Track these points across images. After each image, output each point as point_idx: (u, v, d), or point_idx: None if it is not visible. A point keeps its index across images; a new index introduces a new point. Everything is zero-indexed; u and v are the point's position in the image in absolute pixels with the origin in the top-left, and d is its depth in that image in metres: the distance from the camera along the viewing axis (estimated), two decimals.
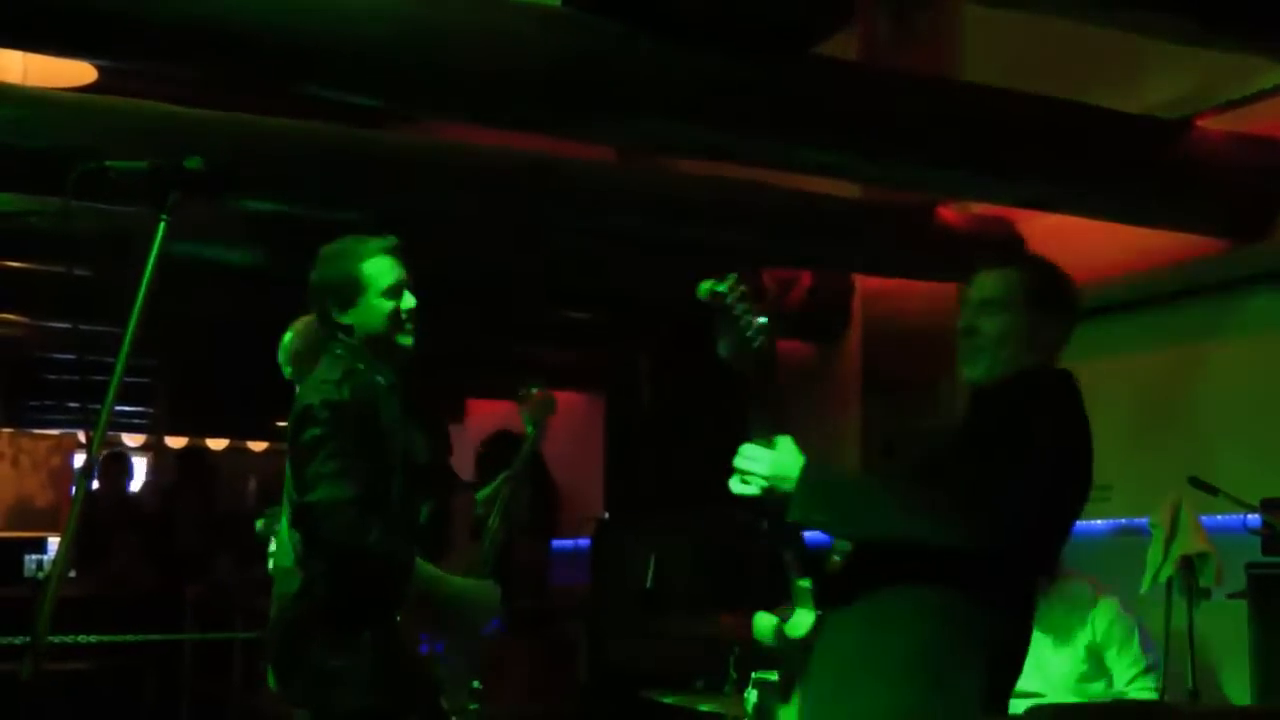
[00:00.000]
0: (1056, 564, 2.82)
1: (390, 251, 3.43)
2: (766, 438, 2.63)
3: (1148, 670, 4.32)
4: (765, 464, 2.61)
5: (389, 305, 3.40)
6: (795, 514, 2.60)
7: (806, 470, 2.59)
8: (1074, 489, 2.68)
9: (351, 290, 3.40)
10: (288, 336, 4.31)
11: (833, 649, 2.68)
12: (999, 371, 2.80)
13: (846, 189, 5.81)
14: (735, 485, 2.64)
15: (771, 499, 2.61)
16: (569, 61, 3.72)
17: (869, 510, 2.60)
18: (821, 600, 2.70)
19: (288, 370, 4.27)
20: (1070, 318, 2.92)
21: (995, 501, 2.51)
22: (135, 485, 11.43)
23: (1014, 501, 2.52)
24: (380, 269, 3.40)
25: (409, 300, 3.43)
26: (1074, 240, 5.58)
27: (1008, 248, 5.94)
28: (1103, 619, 4.35)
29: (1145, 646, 4.35)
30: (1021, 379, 2.77)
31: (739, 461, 2.63)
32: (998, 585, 2.64)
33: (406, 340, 3.45)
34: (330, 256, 3.45)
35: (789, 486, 2.59)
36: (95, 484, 3.38)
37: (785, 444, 2.63)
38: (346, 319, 3.43)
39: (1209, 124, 4.82)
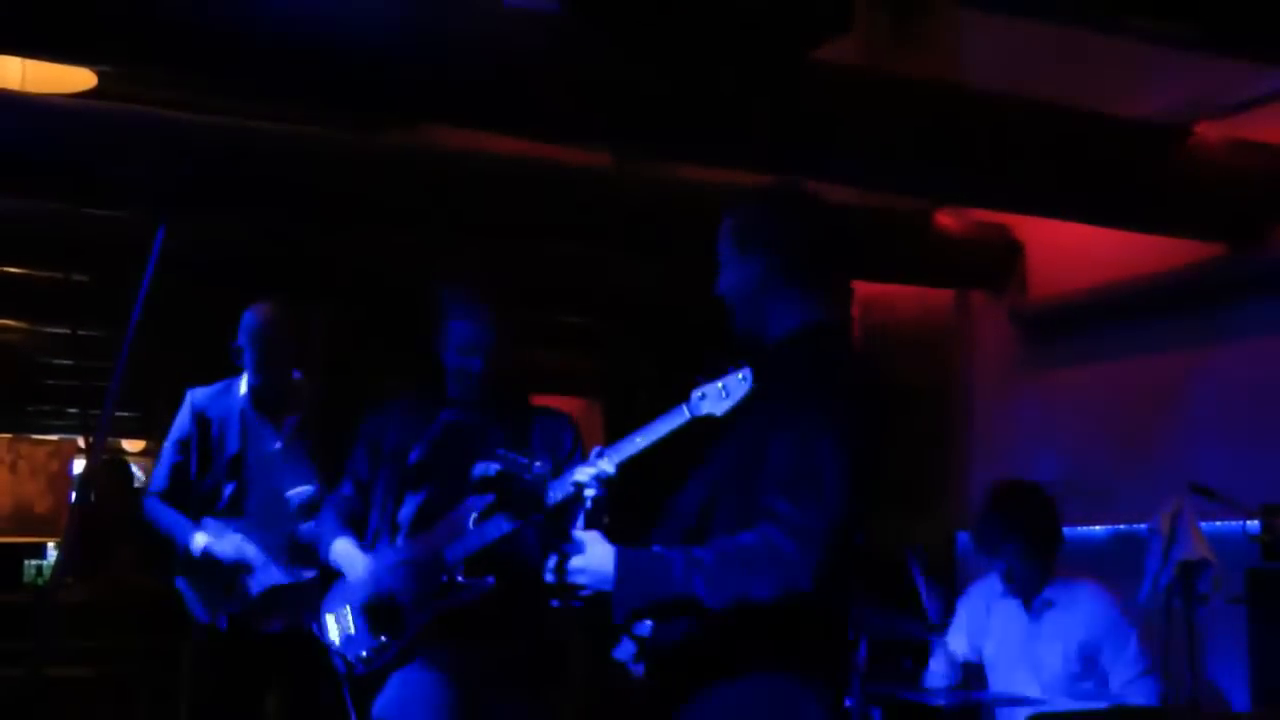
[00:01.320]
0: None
1: (473, 317, 3.77)
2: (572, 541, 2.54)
3: (1146, 673, 4.33)
4: (582, 571, 2.51)
5: (457, 361, 3.80)
6: (619, 616, 2.49)
7: (620, 563, 2.48)
8: (859, 468, 2.53)
9: (442, 338, 3.81)
10: None
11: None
12: (761, 329, 2.72)
13: (844, 194, 5.81)
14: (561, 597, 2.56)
15: (600, 602, 2.51)
16: (566, 67, 3.73)
17: (690, 584, 2.42)
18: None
19: None
20: (784, 249, 2.72)
21: (805, 536, 2.40)
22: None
23: (819, 530, 2.42)
24: (460, 329, 3.77)
25: (478, 364, 3.77)
26: (1072, 246, 5.60)
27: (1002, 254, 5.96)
28: (1098, 620, 4.36)
29: (1142, 649, 4.36)
30: (789, 351, 2.67)
31: (560, 578, 2.52)
32: (803, 630, 2.53)
33: (472, 393, 3.83)
34: (440, 301, 3.84)
35: (607, 585, 2.47)
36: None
37: (593, 543, 2.53)
38: (442, 357, 3.84)
39: (1207, 130, 4.82)
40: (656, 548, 2.56)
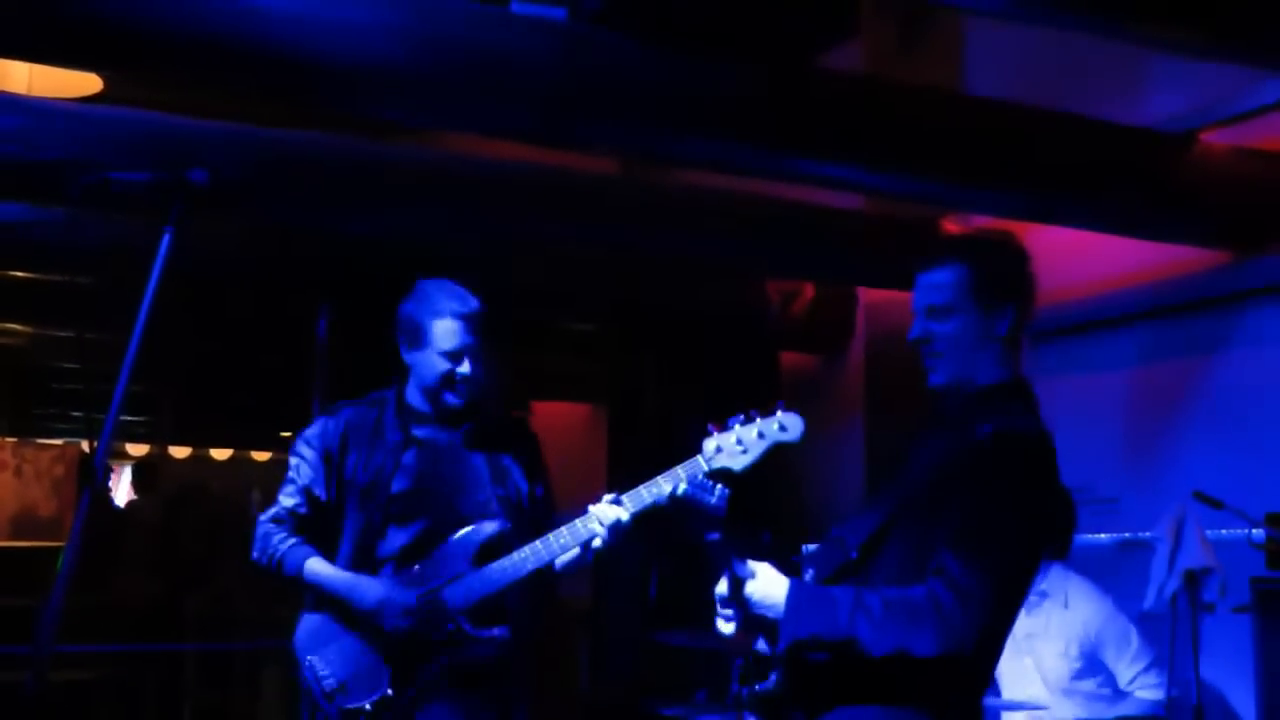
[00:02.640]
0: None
1: (463, 318, 3.56)
2: (741, 572, 2.58)
3: (1149, 668, 4.33)
4: (753, 598, 2.56)
5: (444, 366, 3.56)
6: (782, 645, 2.53)
7: (795, 593, 2.54)
8: (1029, 573, 2.59)
9: (419, 337, 3.59)
10: None
11: None
12: (959, 374, 2.72)
13: (850, 201, 5.82)
14: (721, 626, 2.62)
15: (760, 627, 2.57)
16: (574, 75, 3.73)
17: (857, 627, 2.47)
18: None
19: None
20: (1026, 301, 2.75)
21: (972, 600, 2.44)
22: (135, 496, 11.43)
23: (986, 595, 2.45)
24: (447, 332, 3.55)
25: (465, 367, 3.56)
26: (1077, 253, 5.59)
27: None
28: (1096, 618, 4.37)
29: (1143, 644, 4.36)
30: (987, 406, 2.66)
31: (737, 600, 2.57)
32: (953, 693, 2.57)
33: (453, 401, 3.60)
34: (417, 296, 3.63)
35: (776, 614, 2.53)
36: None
37: (765, 572, 2.58)
38: (409, 358, 3.64)
39: (1213, 138, 4.82)
40: (833, 588, 2.60)
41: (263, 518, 3.65)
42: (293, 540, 3.56)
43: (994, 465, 2.55)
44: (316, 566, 3.53)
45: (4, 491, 9.08)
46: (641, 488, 3.30)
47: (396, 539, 3.55)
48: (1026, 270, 2.77)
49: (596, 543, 3.35)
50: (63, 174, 4.26)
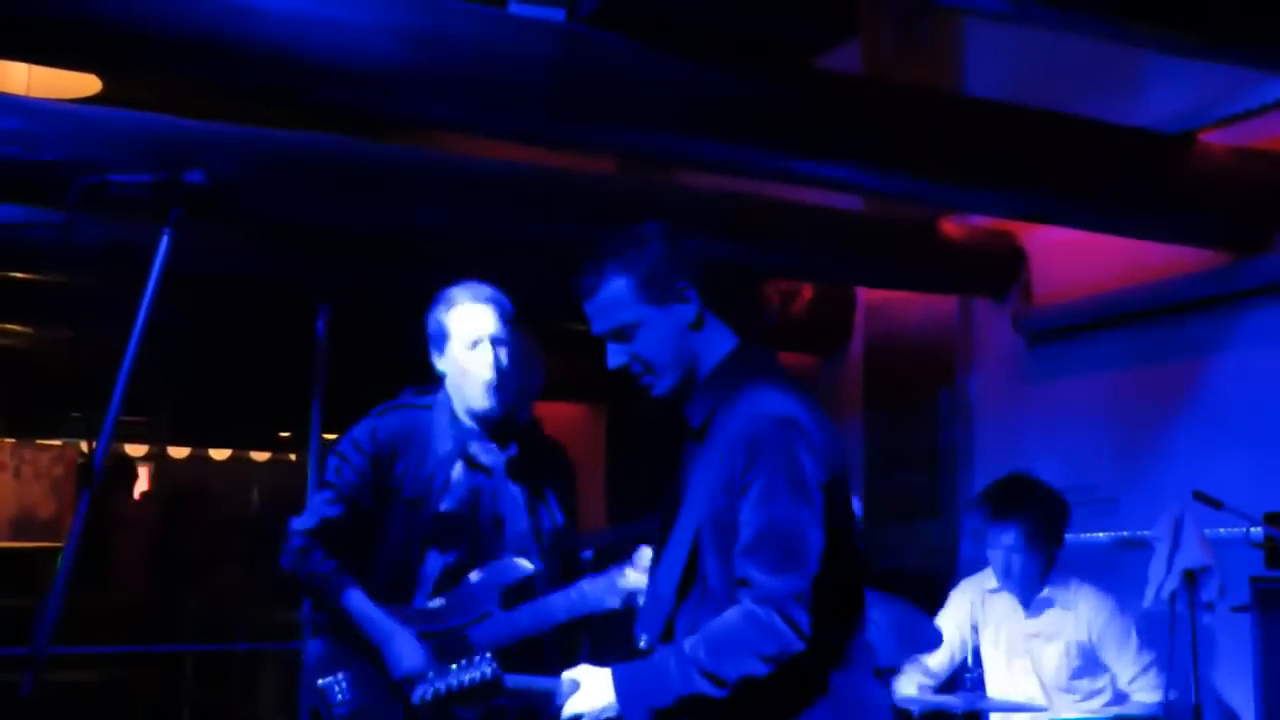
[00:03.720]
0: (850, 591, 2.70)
1: (479, 303, 3.42)
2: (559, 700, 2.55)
3: (1148, 668, 4.34)
4: (583, 705, 2.52)
5: (468, 361, 3.42)
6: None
7: (619, 682, 2.51)
8: (814, 513, 2.50)
9: (441, 338, 3.45)
10: None
11: None
12: (677, 378, 2.66)
13: (848, 201, 5.82)
14: None
15: None
16: (572, 76, 3.73)
17: (692, 680, 2.45)
18: None
19: None
20: (694, 273, 2.67)
21: (783, 602, 2.42)
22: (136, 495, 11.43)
23: (795, 592, 2.42)
24: (462, 319, 3.43)
25: (487, 354, 3.40)
26: (1076, 254, 5.60)
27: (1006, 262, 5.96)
28: (1097, 618, 4.37)
29: (1142, 645, 4.36)
30: (717, 391, 2.61)
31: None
32: (833, 655, 2.54)
33: (486, 402, 3.43)
34: (435, 300, 3.49)
35: (615, 710, 2.50)
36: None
37: (584, 678, 2.55)
38: (441, 368, 3.48)
39: (1212, 138, 4.82)
40: (653, 655, 2.57)
41: (298, 526, 3.46)
42: (334, 563, 3.40)
43: (745, 460, 2.50)
44: (359, 603, 3.36)
45: (3, 492, 9.06)
46: None
47: (435, 563, 3.44)
48: (673, 245, 2.70)
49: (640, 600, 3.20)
50: (61, 175, 4.26)
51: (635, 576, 3.27)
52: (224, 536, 9.38)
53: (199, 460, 12.47)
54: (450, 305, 3.46)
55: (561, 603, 3.36)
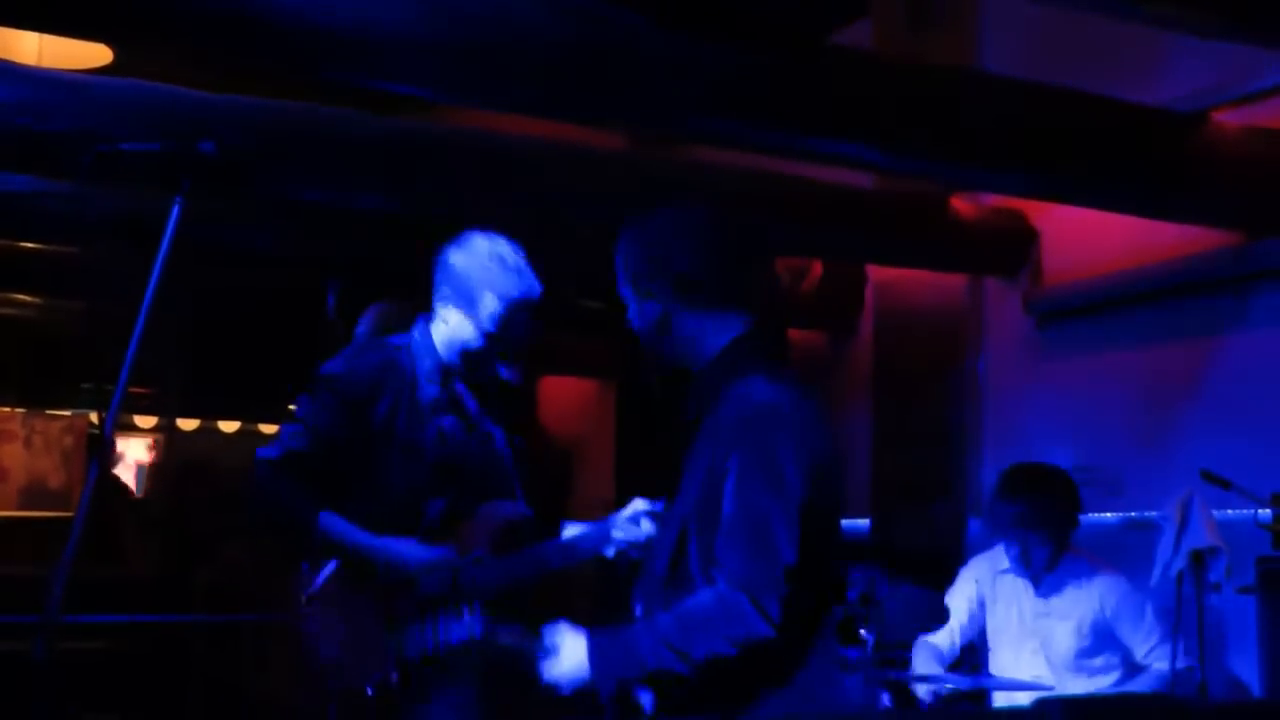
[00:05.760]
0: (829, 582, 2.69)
1: (523, 306, 3.41)
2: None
3: (1163, 641, 4.34)
4: (560, 669, 2.59)
5: (483, 343, 3.41)
6: (604, 696, 2.57)
7: (592, 652, 2.55)
8: (787, 503, 2.50)
9: (467, 300, 3.40)
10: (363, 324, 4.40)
11: None
12: (660, 365, 2.71)
13: (859, 179, 5.81)
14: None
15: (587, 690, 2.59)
16: (583, 49, 3.72)
17: (660, 655, 2.49)
18: None
19: None
20: (677, 266, 2.67)
21: (755, 588, 2.43)
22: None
23: (768, 579, 2.43)
24: (499, 315, 3.39)
25: (515, 326, 3.41)
26: (1087, 233, 5.59)
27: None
28: (1111, 595, 4.37)
29: (1155, 619, 4.37)
30: (720, 376, 2.63)
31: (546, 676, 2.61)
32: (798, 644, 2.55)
33: (484, 370, 3.48)
34: (474, 253, 3.42)
35: (587, 677, 2.56)
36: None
37: (564, 640, 2.60)
38: (446, 312, 3.43)
39: (1225, 118, 4.80)
40: (629, 627, 2.61)
41: (263, 455, 3.38)
42: (302, 488, 3.33)
43: (725, 447, 2.53)
44: (339, 523, 3.31)
45: (13, 462, 9.10)
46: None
47: (431, 509, 3.41)
48: (662, 240, 2.73)
49: (636, 553, 3.23)
50: (72, 145, 4.27)
51: (629, 527, 3.28)
52: (233, 508, 9.39)
53: (208, 432, 12.49)
54: (494, 290, 3.40)
55: (555, 549, 3.38)
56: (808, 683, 2.56)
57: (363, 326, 4.39)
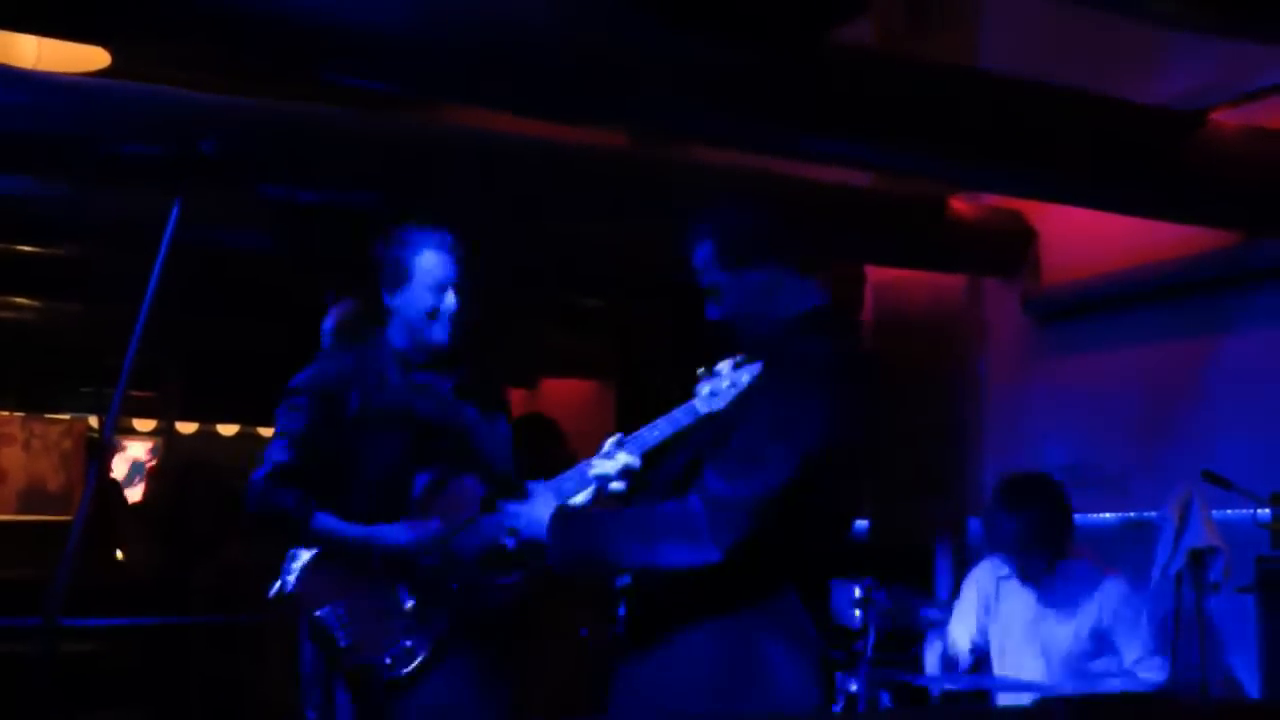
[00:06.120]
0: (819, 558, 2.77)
1: (446, 249, 3.54)
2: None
3: (1155, 652, 4.34)
4: (520, 517, 2.70)
5: (430, 301, 3.53)
6: (555, 566, 2.66)
7: (554, 516, 2.65)
8: (800, 482, 2.55)
9: (401, 276, 3.54)
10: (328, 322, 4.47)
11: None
12: (764, 329, 2.81)
13: (858, 178, 5.81)
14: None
15: (531, 550, 2.70)
16: (582, 47, 3.71)
17: (610, 544, 2.60)
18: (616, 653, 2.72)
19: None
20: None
21: (721, 509, 2.50)
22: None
23: (737, 504, 2.50)
24: (431, 264, 3.53)
25: (450, 300, 3.53)
26: (1086, 232, 5.59)
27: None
28: (1111, 599, 4.37)
29: (1150, 630, 4.36)
30: (782, 340, 2.75)
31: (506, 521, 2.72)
32: (752, 593, 2.60)
33: (439, 336, 3.56)
34: (395, 238, 3.59)
35: (540, 535, 2.65)
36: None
37: (541, 494, 2.73)
38: (392, 302, 3.58)
39: (1223, 117, 4.80)
40: (602, 511, 2.76)
41: (256, 476, 3.52)
42: (298, 493, 3.46)
43: (760, 389, 2.66)
44: (333, 521, 3.45)
45: (12, 465, 9.10)
46: (643, 430, 3.29)
47: (419, 480, 3.51)
48: (753, 217, 2.90)
49: (616, 485, 3.31)
50: (71, 148, 4.27)
51: (603, 462, 3.30)
52: (232, 511, 9.38)
53: (207, 436, 12.48)
54: (418, 250, 3.55)
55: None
56: (741, 645, 2.59)
57: (328, 324, 4.46)
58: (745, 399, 2.70)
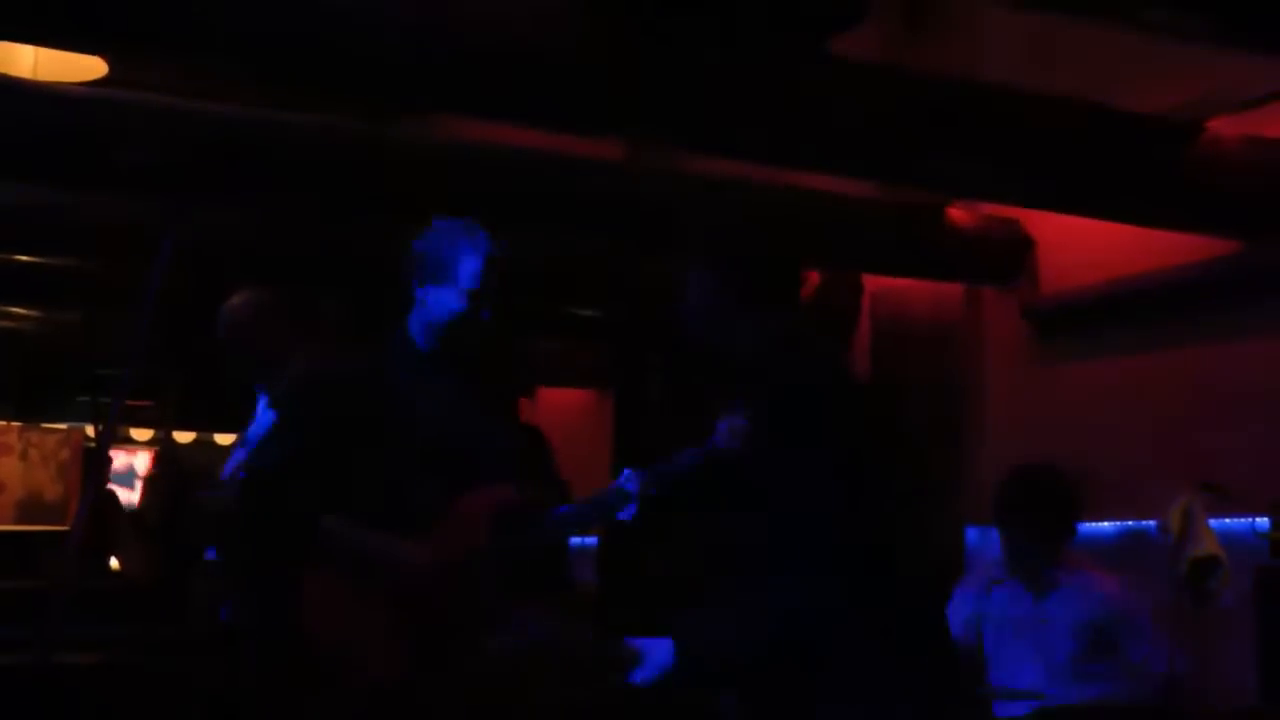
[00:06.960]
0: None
1: (491, 260, 3.50)
2: None
3: (1153, 660, 4.33)
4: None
5: (463, 305, 3.48)
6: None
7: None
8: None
9: (443, 272, 3.50)
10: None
11: None
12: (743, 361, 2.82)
13: (857, 187, 5.81)
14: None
15: None
16: (580, 57, 3.72)
17: None
18: None
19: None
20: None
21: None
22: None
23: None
24: (474, 272, 3.48)
25: (483, 305, 3.49)
26: (1084, 242, 5.59)
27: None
28: (1109, 605, 4.36)
29: (1155, 630, 4.36)
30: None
31: None
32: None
33: (463, 341, 3.53)
34: (440, 232, 3.55)
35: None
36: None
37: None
38: (423, 294, 3.53)
39: (1222, 126, 4.80)
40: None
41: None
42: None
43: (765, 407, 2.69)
44: (340, 523, 3.37)
45: (10, 475, 9.10)
46: (659, 465, 3.28)
47: (425, 492, 3.44)
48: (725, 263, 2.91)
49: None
50: (68, 158, 4.26)
51: (623, 499, 3.29)
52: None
53: (204, 445, 12.49)
54: (463, 252, 3.51)
55: (554, 527, 3.45)
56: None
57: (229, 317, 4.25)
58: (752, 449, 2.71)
